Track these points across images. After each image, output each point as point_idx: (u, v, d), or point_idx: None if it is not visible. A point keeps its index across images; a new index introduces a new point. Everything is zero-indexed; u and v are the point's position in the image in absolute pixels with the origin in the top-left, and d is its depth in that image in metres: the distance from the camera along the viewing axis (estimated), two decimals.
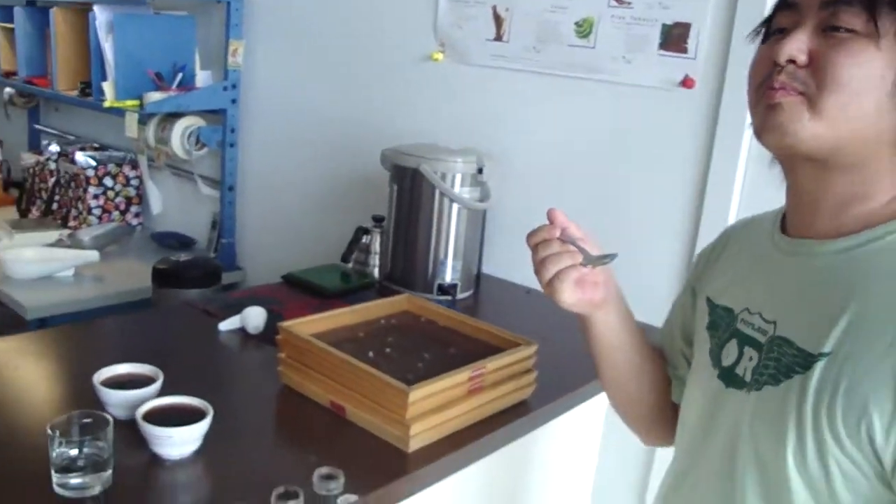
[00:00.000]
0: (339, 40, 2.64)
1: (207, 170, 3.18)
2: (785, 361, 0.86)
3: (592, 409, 1.76)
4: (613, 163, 2.04)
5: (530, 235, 1.06)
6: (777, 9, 0.89)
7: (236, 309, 1.79)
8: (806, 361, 0.83)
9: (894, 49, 0.80)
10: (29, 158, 3.69)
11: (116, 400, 1.28)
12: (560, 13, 2.10)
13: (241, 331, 1.72)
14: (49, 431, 1.09)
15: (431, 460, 1.27)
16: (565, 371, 1.64)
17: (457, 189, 1.99)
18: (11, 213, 3.57)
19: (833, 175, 0.86)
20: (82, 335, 1.76)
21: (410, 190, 2.03)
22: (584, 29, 2.07)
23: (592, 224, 2.02)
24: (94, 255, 2.88)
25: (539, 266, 1.03)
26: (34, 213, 3.58)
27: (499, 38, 2.22)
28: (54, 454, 1.10)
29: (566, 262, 1.01)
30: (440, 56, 2.36)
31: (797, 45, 0.83)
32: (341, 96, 2.65)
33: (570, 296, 1.02)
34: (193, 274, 2.36)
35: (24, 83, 3.65)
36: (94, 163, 3.35)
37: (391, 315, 1.64)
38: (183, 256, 2.42)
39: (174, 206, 3.40)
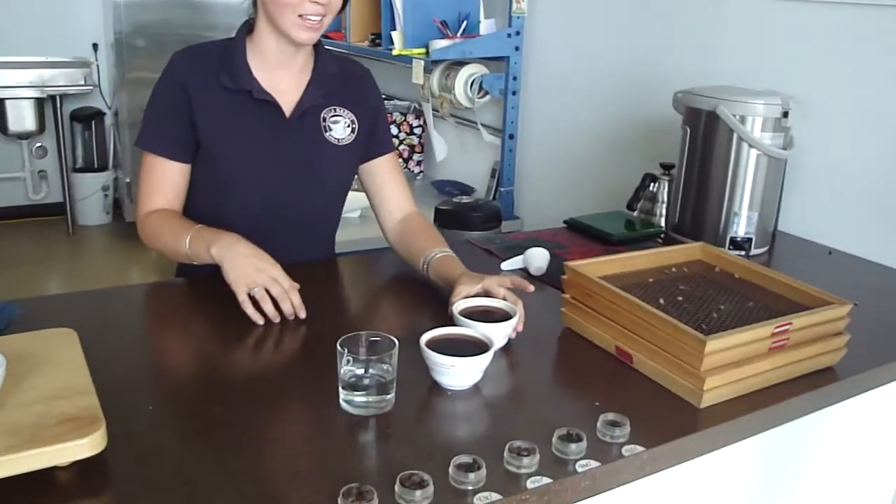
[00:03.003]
0: None
1: (488, 118, 3.19)
2: None
3: None
4: None
5: None
6: None
7: (518, 250, 1.77)
8: None
9: None
10: None
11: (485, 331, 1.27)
12: None
13: (524, 271, 1.69)
14: (339, 348, 1.11)
15: (725, 419, 1.16)
16: (879, 341, 1.46)
17: (756, 134, 1.82)
18: None
19: None
20: (372, 264, 1.83)
21: (704, 135, 1.88)
22: None
23: None
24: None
25: None
26: None
27: None
28: (342, 371, 1.12)
29: None
30: None
31: None
32: (629, 38, 2.53)
33: None
34: (475, 216, 2.38)
35: (322, 37, 3.87)
36: None
37: (683, 263, 1.53)
38: (465, 199, 2.45)
39: (454, 154, 3.46)
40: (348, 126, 1.68)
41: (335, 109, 1.67)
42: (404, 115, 3.54)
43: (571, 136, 2.80)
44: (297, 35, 1.53)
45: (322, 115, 1.65)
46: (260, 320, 1.39)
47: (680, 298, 1.37)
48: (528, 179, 3.05)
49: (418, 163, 3.62)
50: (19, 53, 4.89)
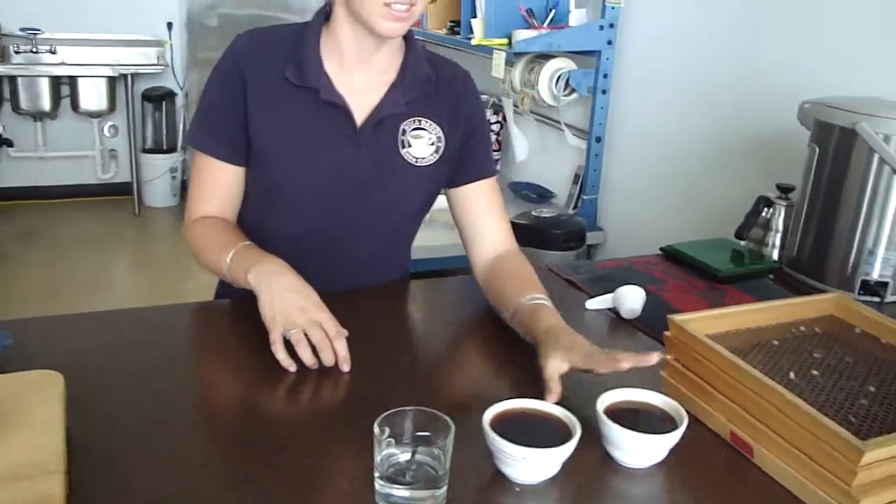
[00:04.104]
0: None
1: (573, 118, 2.91)
2: None
3: None
4: None
5: None
6: None
7: (605, 283, 1.50)
8: None
9: None
10: None
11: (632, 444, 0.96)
12: None
13: (612, 311, 1.42)
14: (376, 430, 0.87)
15: None
16: None
17: None
18: None
19: None
20: (448, 292, 1.58)
21: (836, 155, 1.58)
22: None
23: None
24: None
25: None
26: None
27: None
28: (379, 457, 0.87)
29: None
30: None
31: None
32: (746, 38, 2.21)
33: None
34: (555, 234, 2.10)
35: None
36: None
37: (813, 320, 1.23)
38: (544, 212, 2.18)
39: (534, 156, 3.19)
40: (432, 144, 1.39)
41: (419, 121, 1.39)
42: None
43: (668, 145, 2.50)
44: (381, 26, 1.24)
45: (402, 127, 1.38)
46: (292, 367, 1.15)
47: (815, 372, 1.08)
48: (615, 189, 2.76)
49: (495, 161, 3.36)
50: (94, 31, 4.79)
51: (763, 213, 1.76)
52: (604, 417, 0.97)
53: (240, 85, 1.33)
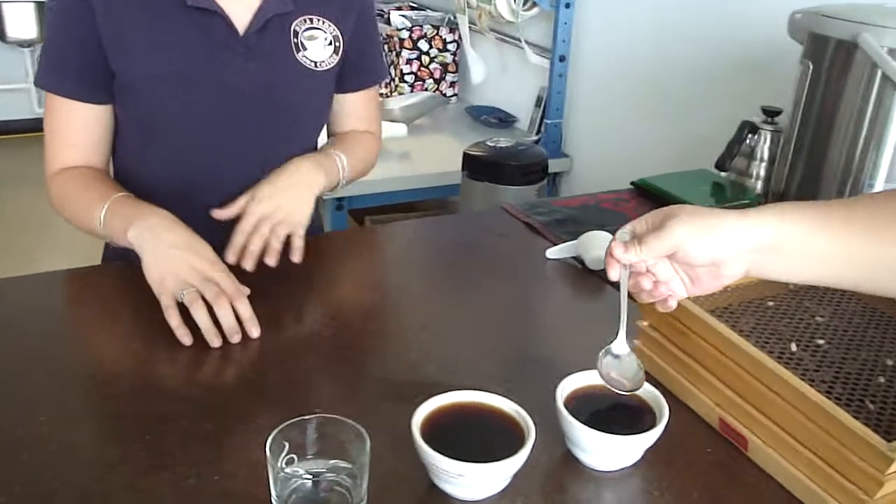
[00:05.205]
0: None
1: (535, 35, 2.66)
2: None
3: None
4: None
5: None
6: None
7: (569, 226, 1.30)
8: None
9: None
10: None
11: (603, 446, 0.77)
12: None
13: (577, 261, 1.22)
14: (268, 450, 0.66)
15: None
16: None
17: None
18: None
19: None
20: (378, 238, 1.36)
21: (832, 72, 1.37)
22: None
23: None
24: (401, 128, 2.55)
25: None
26: None
27: None
28: (276, 481, 0.67)
29: None
30: None
31: None
32: None
33: None
34: (513, 167, 1.87)
35: None
36: (409, 24, 2.97)
37: None
38: (502, 142, 1.94)
39: (494, 77, 2.94)
40: (330, 44, 1.21)
41: (311, 20, 1.20)
42: (436, 28, 3.01)
43: (641, 63, 2.26)
44: None
45: (293, 29, 1.18)
46: (187, 339, 0.95)
47: (820, 341, 0.89)
48: (582, 113, 2.53)
49: (451, 84, 3.12)
50: None
51: (747, 141, 1.56)
52: (564, 412, 0.78)
53: (85, 7, 1.09)
